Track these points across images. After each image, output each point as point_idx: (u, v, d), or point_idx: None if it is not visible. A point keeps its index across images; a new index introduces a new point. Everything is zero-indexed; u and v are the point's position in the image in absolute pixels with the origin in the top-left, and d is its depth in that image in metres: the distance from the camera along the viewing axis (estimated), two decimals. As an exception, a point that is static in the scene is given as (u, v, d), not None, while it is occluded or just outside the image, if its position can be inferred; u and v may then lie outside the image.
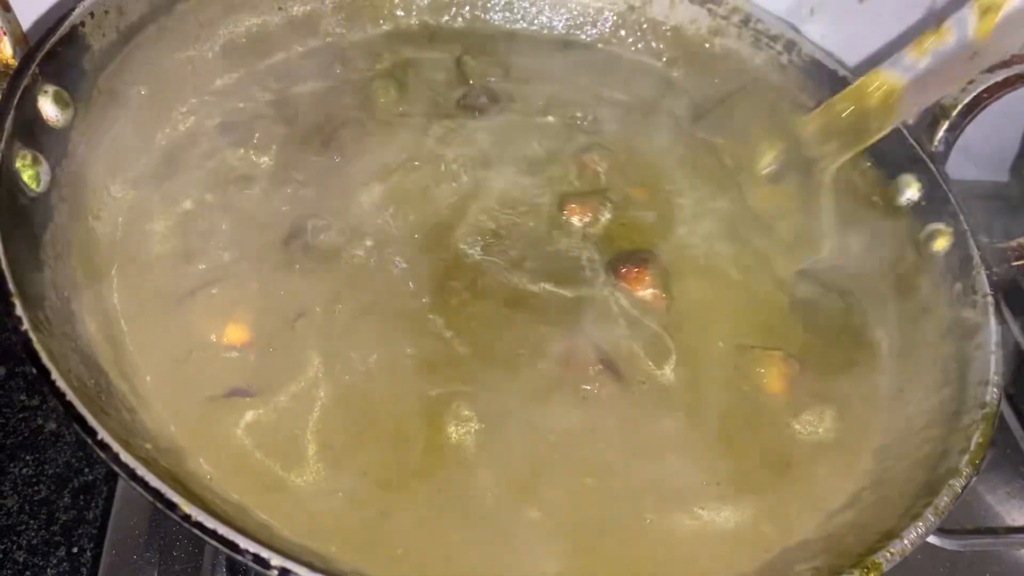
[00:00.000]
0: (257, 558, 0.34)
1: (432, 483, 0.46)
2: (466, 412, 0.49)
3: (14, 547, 0.69)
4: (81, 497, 0.73)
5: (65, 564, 0.69)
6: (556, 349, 0.52)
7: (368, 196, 0.58)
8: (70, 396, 0.37)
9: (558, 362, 0.52)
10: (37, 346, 0.38)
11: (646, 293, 0.55)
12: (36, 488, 0.73)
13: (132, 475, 0.36)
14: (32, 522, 0.71)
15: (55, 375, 0.38)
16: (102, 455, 0.36)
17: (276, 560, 0.35)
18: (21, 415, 0.77)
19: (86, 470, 0.75)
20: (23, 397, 0.78)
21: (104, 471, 0.74)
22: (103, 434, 0.36)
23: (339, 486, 0.45)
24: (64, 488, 0.73)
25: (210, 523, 0.35)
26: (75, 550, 0.70)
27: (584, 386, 0.51)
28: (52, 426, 0.77)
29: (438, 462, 0.47)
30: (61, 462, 0.75)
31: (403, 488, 0.46)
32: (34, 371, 0.75)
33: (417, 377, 0.50)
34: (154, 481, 0.35)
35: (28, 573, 0.68)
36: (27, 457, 0.75)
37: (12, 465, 0.74)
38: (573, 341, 0.53)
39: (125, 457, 0.36)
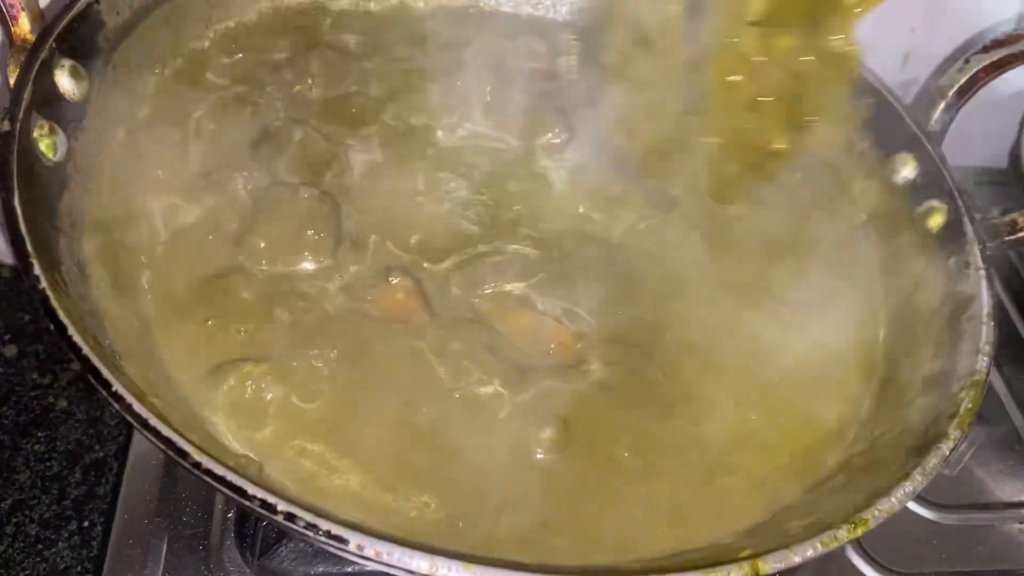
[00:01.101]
0: (264, 503, 0.36)
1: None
2: None
3: (27, 520, 0.71)
4: (92, 473, 0.75)
5: (76, 537, 0.71)
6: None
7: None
8: (86, 350, 0.39)
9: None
10: (54, 303, 0.40)
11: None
12: (48, 464, 0.75)
13: (145, 424, 0.37)
14: (44, 497, 0.73)
15: (71, 330, 0.39)
16: (115, 406, 0.37)
17: (282, 505, 0.36)
18: (33, 393, 0.79)
19: (96, 447, 0.76)
20: (35, 375, 0.80)
21: (114, 448, 0.76)
22: (117, 386, 0.38)
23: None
24: (75, 464, 0.75)
25: (219, 470, 0.36)
26: (86, 524, 0.72)
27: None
28: (63, 404, 0.79)
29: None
30: (72, 439, 0.76)
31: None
32: (46, 349, 0.79)
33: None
34: (166, 430, 0.37)
35: (40, 546, 0.70)
36: (39, 434, 0.76)
37: (24, 441, 0.76)
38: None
39: (138, 408, 0.37)
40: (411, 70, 0.66)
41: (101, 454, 0.76)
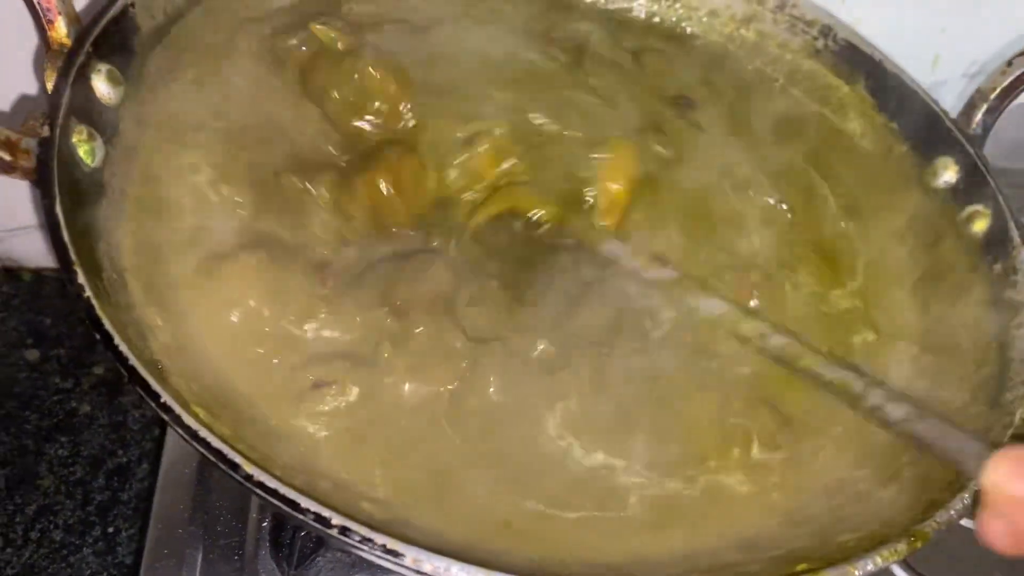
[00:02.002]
0: (319, 517, 0.35)
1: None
2: None
3: (51, 526, 0.71)
4: (115, 478, 0.74)
5: (101, 543, 0.71)
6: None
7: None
8: (132, 360, 0.38)
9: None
10: (99, 312, 0.39)
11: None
12: (71, 469, 0.75)
13: (195, 436, 0.36)
14: (68, 502, 0.73)
15: (117, 340, 0.38)
16: (165, 417, 0.37)
17: (337, 519, 0.35)
18: (56, 398, 0.79)
19: (120, 452, 0.76)
20: (57, 380, 0.80)
21: (138, 453, 0.76)
22: (166, 397, 0.37)
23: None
24: (99, 469, 0.75)
25: (271, 483, 0.36)
26: (111, 530, 0.71)
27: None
28: (87, 408, 0.79)
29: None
30: (96, 444, 0.76)
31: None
32: (68, 353, 0.79)
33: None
34: (216, 442, 0.36)
35: (65, 551, 0.70)
36: (62, 439, 0.76)
37: (48, 446, 0.75)
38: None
39: (188, 420, 0.37)
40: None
41: (124, 459, 0.75)
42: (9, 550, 0.69)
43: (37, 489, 0.73)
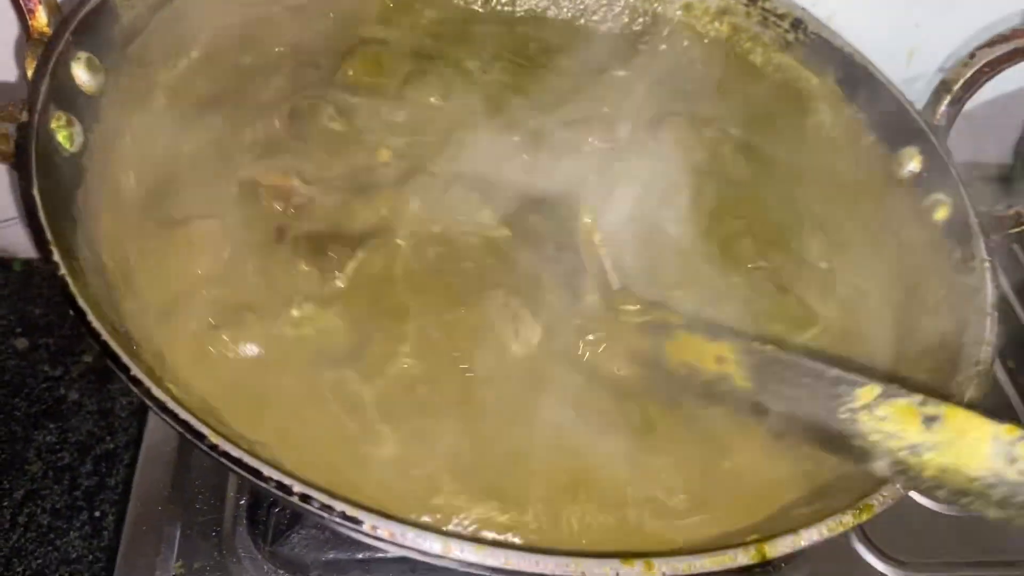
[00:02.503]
0: (280, 485, 0.36)
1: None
2: None
3: (39, 511, 0.72)
4: (103, 464, 0.75)
5: (87, 527, 0.72)
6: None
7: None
8: (104, 335, 0.39)
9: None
10: (73, 289, 0.40)
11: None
12: (59, 455, 0.76)
13: (163, 408, 0.38)
14: (56, 487, 0.74)
15: (90, 316, 0.40)
16: (135, 390, 0.38)
17: (298, 487, 0.36)
18: (44, 385, 0.80)
19: (107, 438, 0.77)
20: (46, 368, 0.81)
21: (125, 439, 0.77)
22: (135, 370, 0.38)
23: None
24: (86, 455, 0.76)
25: (235, 452, 0.37)
26: (97, 514, 0.72)
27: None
28: (75, 396, 0.80)
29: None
30: (84, 431, 0.77)
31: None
32: (57, 342, 0.80)
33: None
34: (183, 413, 0.37)
35: (52, 535, 0.71)
36: (51, 425, 0.77)
37: (36, 432, 0.76)
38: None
39: (156, 392, 0.38)
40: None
41: (112, 445, 0.76)
42: (-3, 533, 0.70)
43: (25, 474, 0.74)
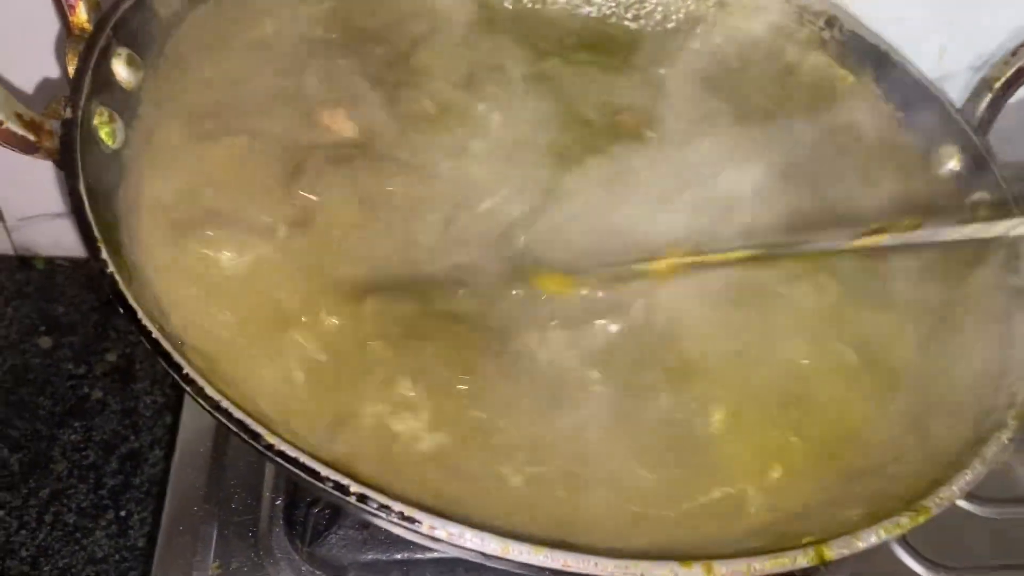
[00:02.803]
0: (338, 485, 0.36)
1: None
2: None
3: (65, 510, 0.72)
4: (128, 463, 0.75)
5: (114, 527, 0.71)
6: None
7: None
8: (155, 333, 0.39)
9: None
10: (123, 287, 0.40)
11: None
12: (84, 454, 0.75)
13: (216, 407, 0.37)
14: (81, 486, 0.73)
15: (141, 314, 0.39)
16: (187, 389, 0.38)
17: (355, 487, 0.36)
18: (69, 383, 0.80)
19: (132, 437, 0.77)
20: (70, 366, 0.81)
21: (150, 439, 0.76)
22: (188, 369, 0.38)
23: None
24: (111, 454, 0.76)
25: (292, 452, 0.36)
26: (123, 513, 0.72)
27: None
28: (99, 394, 0.79)
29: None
30: (108, 429, 0.77)
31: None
32: (81, 340, 0.79)
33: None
34: (237, 412, 0.37)
35: (78, 535, 0.71)
36: (75, 424, 0.77)
37: (61, 431, 0.76)
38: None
39: (210, 391, 0.38)
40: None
41: (137, 444, 0.76)
42: (23, 532, 0.70)
43: (51, 473, 0.74)
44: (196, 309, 0.47)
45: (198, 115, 0.54)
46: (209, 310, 0.48)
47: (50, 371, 0.80)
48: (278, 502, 0.57)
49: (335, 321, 0.50)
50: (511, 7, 0.71)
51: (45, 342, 0.82)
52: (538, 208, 0.58)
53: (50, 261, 0.86)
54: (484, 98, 0.62)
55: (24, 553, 0.68)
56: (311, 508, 0.57)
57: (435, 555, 0.54)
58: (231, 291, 0.49)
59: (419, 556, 0.55)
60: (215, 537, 0.56)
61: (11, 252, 0.86)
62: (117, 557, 0.70)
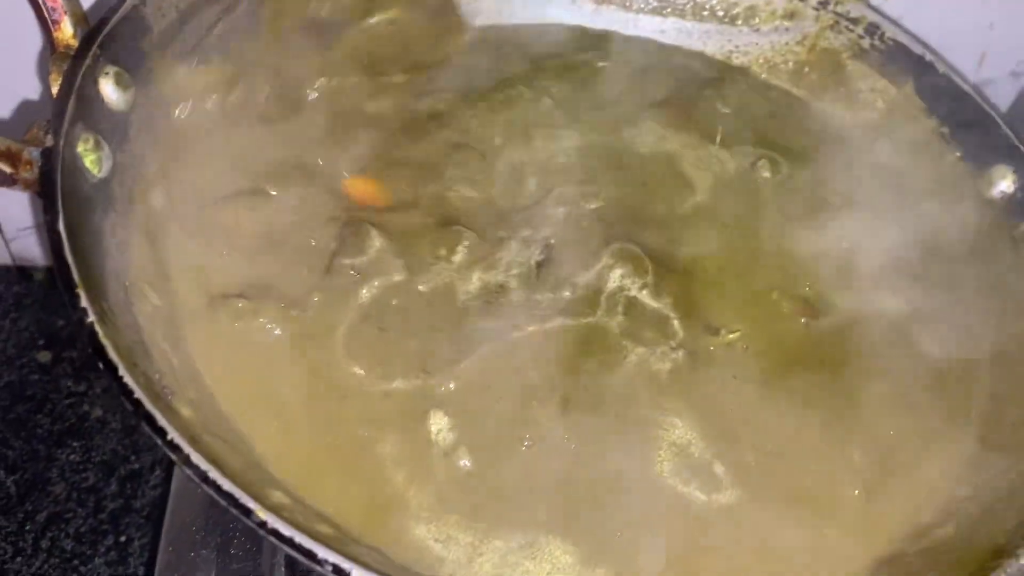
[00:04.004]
0: (337, 569, 0.33)
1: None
2: None
3: (62, 535, 0.70)
4: (128, 485, 0.73)
5: (113, 553, 0.69)
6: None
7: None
8: (138, 394, 0.35)
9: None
10: (104, 340, 0.37)
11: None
12: (83, 475, 0.73)
13: (204, 478, 0.34)
14: (80, 510, 0.71)
15: (122, 371, 0.36)
16: (173, 456, 0.34)
17: (357, 572, 0.33)
18: (68, 401, 0.77)
19: (133, 457, 0.74)
20: (70, 383, 0.78)
21: (150, 460, 0.74)
22: (173, 434, 0.35)
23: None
24: (111, 475, 0.73)
25: (287, 531, 0.33)
26: (123, 539, 0.70)
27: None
28: (99, 412, 0.77)
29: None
30: (108, 449, 0.75)
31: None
32: (80, 355, 0.77)
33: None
34: (227, 485, 0.34)
35: (76, 561, 0.68)
36: (74, 443, 0.75)
37: (59, 451, 0.74)
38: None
39: (196, 459, 0.34)
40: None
41: (137, 465, 0.74)
42: (19, 559, 0.67)
43: (48, 496, 0.71)
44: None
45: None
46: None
47: (49, 388, 0.78)
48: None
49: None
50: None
51: (44, 356, 0.80)
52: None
53: (49, 271, 0.84)
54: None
55: (20, 583, 0.66)
56: (314, 557, 0.54)
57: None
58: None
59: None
60: (216, 564, 0.53)
61: (10, 263, 0.83)
62: (116, 586, 0.67)
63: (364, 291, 0.49)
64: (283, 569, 0.53)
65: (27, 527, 0.69)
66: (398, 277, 0.50)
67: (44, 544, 0.69)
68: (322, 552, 0.33)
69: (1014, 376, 0.51)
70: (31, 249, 0.82)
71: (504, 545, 0.42)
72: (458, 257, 0.51)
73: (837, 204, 0.58)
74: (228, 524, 0.55)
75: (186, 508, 0.56)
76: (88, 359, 0.78)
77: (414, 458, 0.44)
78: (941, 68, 0.62)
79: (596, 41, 0.68)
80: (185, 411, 0.39)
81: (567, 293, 0.51)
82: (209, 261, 0.49)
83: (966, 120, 0.60)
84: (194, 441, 0.36)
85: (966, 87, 0.61)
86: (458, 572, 0.41)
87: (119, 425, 0.76)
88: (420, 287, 0.50)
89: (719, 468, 0.46)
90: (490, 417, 0.46)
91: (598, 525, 0.44)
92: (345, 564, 0.33)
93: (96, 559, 0.69)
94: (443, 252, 0.52)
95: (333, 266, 0.50)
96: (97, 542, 0.70)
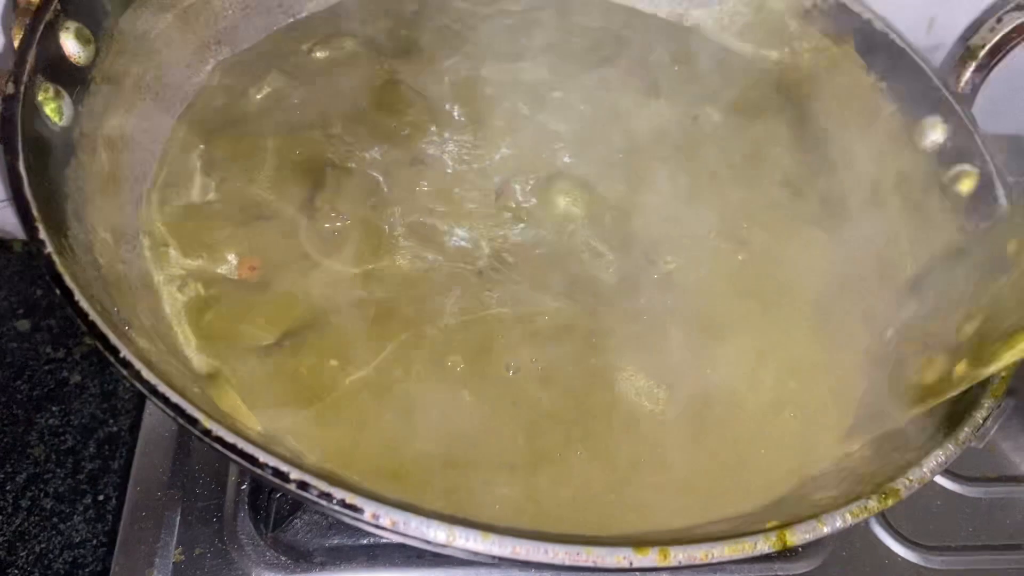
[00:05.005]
0: (276, 471, 0.35)
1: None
2: None
3: (41, 494, 0.71)
4: (106, 447, 0.74)
5: (91, 511, 0.71)
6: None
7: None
8: (92, 316, 0.38)
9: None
10: (60, 268, 0.39)
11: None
12: (62, 438, 0.75)
13: (153, 391, 0.36)
14: (59, 471, 0.73)
15: (78, 295, 0.38)
16: (123, 372, 0.36)
17: (295, 474, 0.35)
18: (47, 367, 0.79)
19: (111, 421, 0.76)
20: (48, 350, 0.80)
21: (128, 422, 0.76)
22: (125, 352, 0.37)
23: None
24: (89, 438, 0.75)
25: (230, 438, 0.35)
26: (100, 497, 0.72)
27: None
28: (77, 378, 0.78)
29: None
30: (86, 413, 0.76)
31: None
32: (59, 323, 0.79)
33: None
34: (174, 396, 0.36)
35: (55, 519, 0.70)
36: (53, 408, 0.76)
37: (39, 416, 0.75)
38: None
39: (147, 374, 0.36)
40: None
41: (115, 428, 0.75)
42: (0, 517, 0.69)
43: (28, 458, 0.73)
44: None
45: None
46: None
47: (28, 355, 0.79)
48: (243, 487, 0.56)
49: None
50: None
51: (23, 325, 0.81)
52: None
53: (28, 243, 0.85)
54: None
55: (0, 539, 0.68)
56: (275, 493, 0.56)
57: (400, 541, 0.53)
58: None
59: (385, 541, 0.54)
60: (179, 523, 0.55)
61: (-12, 234, 0.85)
62: (94, 542, 0.69)
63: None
64: (246, 504, 0.55)
65: (7, 487, 0.71)
66: None
67: (24, 503, 0.70)
68: (263, 456, 0.35)
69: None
70: (9, 220, 0.83)
71: None
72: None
73: (777, 154, 0.60)
74: (193, 468, 0.57)
75: (153, 450, 0.58)
76: (67, 326, 0.81)
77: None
78: (879, 26, 0.64)
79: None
80: (142, 342, 0.41)
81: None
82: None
83: (902, 76, 0.62)
84: (148, 363, 0.38)
85: (902, 44, 0.63)
86: None
87: (97, 390, 0.78)
88: None
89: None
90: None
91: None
92: (284, 467, 0.35)
93: (75, 517, 0.70)
94: None
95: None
96: (76, 501, 0.71)
